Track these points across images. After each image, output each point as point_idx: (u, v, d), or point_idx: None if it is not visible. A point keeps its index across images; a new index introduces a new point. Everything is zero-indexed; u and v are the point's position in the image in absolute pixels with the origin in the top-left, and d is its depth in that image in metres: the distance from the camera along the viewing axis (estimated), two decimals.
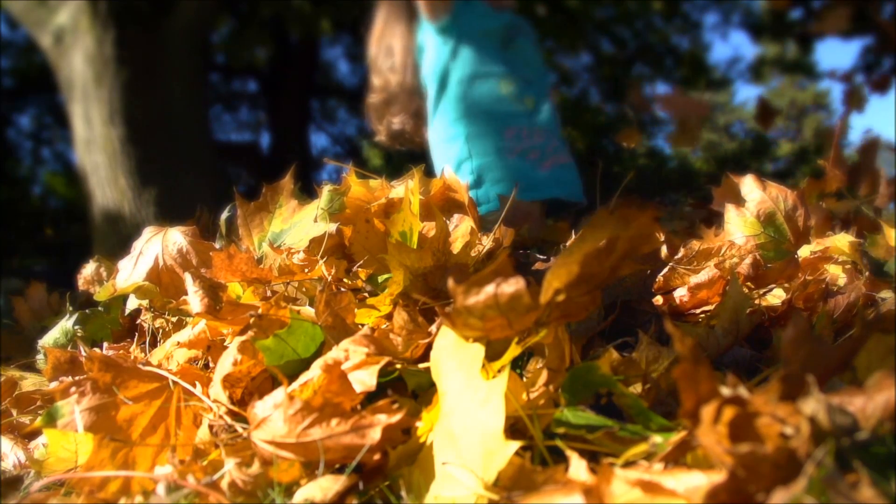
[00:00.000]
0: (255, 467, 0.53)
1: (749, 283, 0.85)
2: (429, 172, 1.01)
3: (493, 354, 0.54)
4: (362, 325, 0.73)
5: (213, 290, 0.76)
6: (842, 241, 1.01)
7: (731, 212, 1.01)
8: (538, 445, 0.51)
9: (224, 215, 1.14)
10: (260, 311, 0.69)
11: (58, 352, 0.73)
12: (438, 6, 1.79)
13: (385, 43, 1.91)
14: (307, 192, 0.97)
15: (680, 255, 0.89)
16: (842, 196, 1.33)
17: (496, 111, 1.79)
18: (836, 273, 0.92)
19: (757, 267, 0.85)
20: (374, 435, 0.51)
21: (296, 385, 0.58)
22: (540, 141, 1.78)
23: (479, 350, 0.51)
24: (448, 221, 0.90)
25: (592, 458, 0.47)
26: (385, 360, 0.60)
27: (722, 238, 0.98)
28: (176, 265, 0.90)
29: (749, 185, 1.01)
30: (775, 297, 0.84)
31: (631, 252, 0.51)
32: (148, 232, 0.96)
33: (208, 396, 0.65)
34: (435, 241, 0.72)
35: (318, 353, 0.65)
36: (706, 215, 1.51)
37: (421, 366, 0.62)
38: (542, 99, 1.85)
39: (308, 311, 0.71)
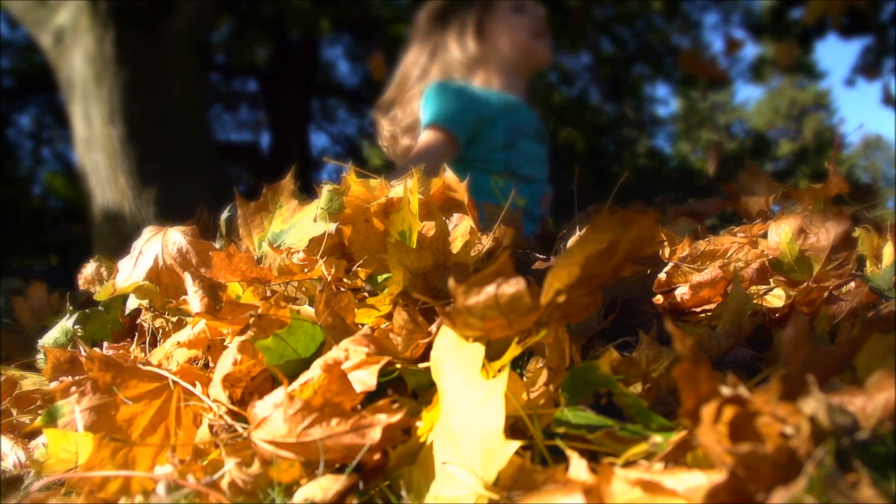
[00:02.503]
0: (255, 467, 0.53)
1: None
2: None
3: (493, 354, 0.54)
4: (362, 325, 0.73)
5: (213, 290, 0.76)
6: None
7: (794, 213, 0.90)
8: (538, 445, 0.51)
9: (224, 215, 1.14)
10: (260, 310, 0.69)
11: (58, 351, 0.73)
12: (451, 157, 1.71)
13: (418, 70, 1.87)
14: (307, 191, 0.96)
15: (684, 253, 0.89)
16: (842, 202, 1.32)
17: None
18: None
19: (763, 272, 0.85)
20: (374, 435, 0.51)
21: (296, 385, 0.58)
22: None
23: (479, 350, 0.51)
24: (447, 221, 0.90)
25: (592, 457, 0.47)
26: (385, 359, 0.60)
27: (729, 239, 0.97)
28: (176, 265, 0.90)
29: (836, 220, 0.86)
30: (776, 297, 0.84)
31: (632, 254, 0.51)
32: (148, 232, 0.96)
33: (208, 396, 0.65)
34: (434, 241, 0.72)
35: (318, 353, 0.65)
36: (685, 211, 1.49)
37: (421, 366, 0.62)
38: (534, 202, 1.80)
39: (308, 310, 0.71)
